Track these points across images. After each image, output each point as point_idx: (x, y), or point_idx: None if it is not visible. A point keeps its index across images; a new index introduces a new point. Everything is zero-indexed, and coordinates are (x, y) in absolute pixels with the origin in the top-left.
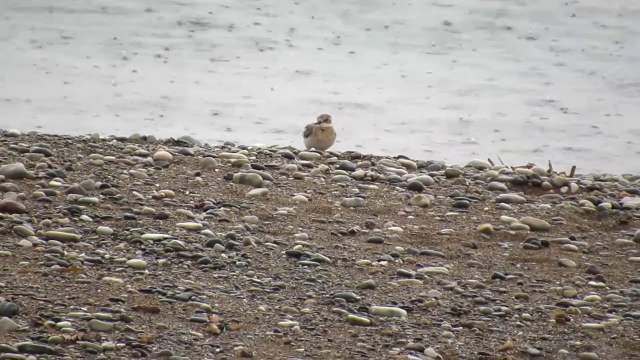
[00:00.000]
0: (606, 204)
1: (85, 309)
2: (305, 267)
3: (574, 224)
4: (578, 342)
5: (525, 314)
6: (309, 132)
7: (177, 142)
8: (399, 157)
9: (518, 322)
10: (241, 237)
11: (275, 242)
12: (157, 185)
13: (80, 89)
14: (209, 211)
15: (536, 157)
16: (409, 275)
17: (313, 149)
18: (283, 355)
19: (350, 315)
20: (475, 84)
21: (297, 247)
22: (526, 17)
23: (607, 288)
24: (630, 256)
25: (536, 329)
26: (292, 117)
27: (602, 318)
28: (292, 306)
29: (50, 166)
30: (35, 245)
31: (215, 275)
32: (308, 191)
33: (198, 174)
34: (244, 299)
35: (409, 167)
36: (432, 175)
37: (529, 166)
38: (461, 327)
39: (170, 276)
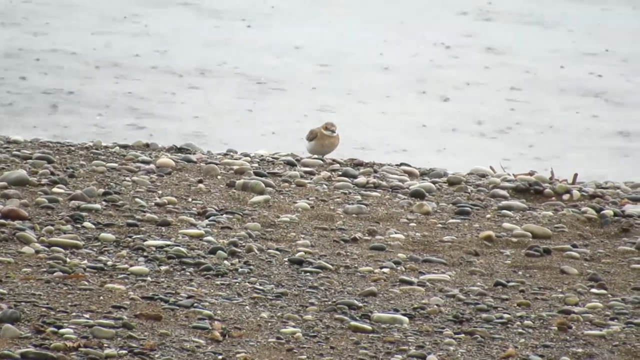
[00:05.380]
0: (608, 211)
1: (87, 316)
2: (308, 274)
3: (576, 231)
4: (580, 350)
5: (527, 322)
6: (313, 137)
7: (180, 149)
8: (401, 164)
9: (520, 330)
10: (243, 244)
11: (277, 249)
12: (160, 192)
13: None
14: (211, 218)
15: None
16: (411, 283)
17: (315, 155)
18: None
19: (353, 323)
20: None
21: (299, 254)
22: None
23: (609, 295)
24: (632, 264)
25: (538, 336)
26: None
27: (604, 326)
28: (294, 313)
29: (52, 173)
30: (37, 252)
31: (218, 283)
32: (310, 198)
33: (200, 181)
34: (246, 306)
35: (411, 175)
36: (434, 183)
37: (531, 173)
38: (463, 335)
39: (173, 283)
